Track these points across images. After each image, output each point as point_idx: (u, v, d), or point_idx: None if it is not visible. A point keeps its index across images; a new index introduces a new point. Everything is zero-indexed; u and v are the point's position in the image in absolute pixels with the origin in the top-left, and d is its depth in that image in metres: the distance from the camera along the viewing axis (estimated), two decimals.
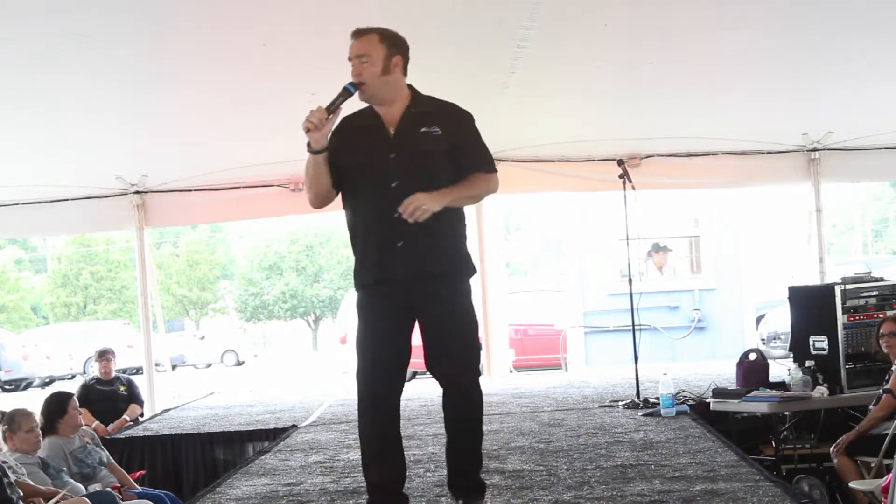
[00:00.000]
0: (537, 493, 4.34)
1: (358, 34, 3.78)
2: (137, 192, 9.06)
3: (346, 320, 18.20)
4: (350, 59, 3.78)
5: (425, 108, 3.86)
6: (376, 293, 3.83)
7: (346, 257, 38.12)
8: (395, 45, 3.80)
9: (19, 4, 4.97)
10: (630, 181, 7.17)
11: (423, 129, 3.79)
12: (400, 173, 3.75)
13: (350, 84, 3.76)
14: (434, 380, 3.97)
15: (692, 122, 8.07)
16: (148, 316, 9.50)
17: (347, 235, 3.98)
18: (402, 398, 3.93)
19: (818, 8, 5.77)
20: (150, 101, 6.78)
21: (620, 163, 7.33)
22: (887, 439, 5.27)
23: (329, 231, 38.89)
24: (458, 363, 3.85)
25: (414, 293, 3.78)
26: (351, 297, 19.73)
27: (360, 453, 3.98)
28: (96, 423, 7.62)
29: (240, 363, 31.02)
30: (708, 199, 12.27)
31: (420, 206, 3.63)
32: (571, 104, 7.52)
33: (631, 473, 4.65)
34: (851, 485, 5.40)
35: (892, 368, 5.70)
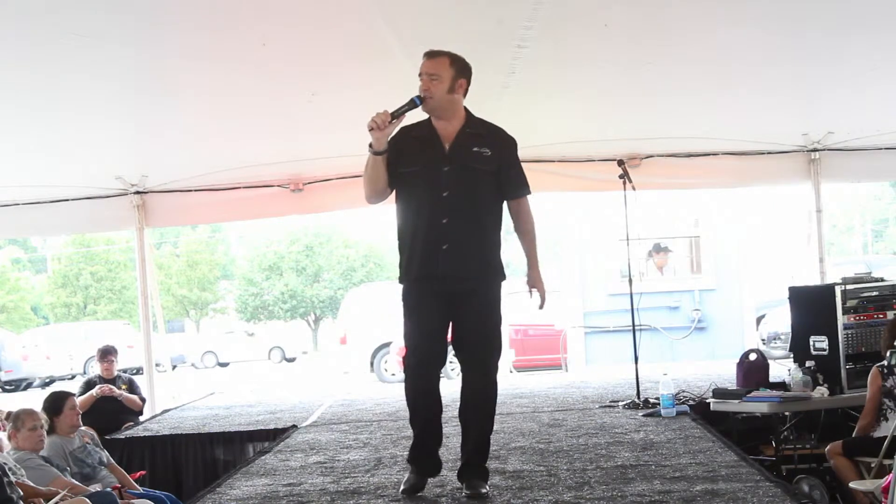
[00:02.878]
0: (537, 494, 4.34)
1: (431, 55, 4.27)
2: (137, 193, 9.04)
3: (346, 320, 18.22)
4: (420, 75, 4.26)
5: (479, 131, 4.36)
6: (420, 286, 4.34)
7: (345, 257, 38.08)
8: (462, 70, 4.29)
9: (19, 4, 4.96)
10: (630, 181, 7.17)
11: (476, 149, 4.29)
12: (451, 185, 4.26)
13: (417, 97, 4.24)
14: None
15: (692, 122, 8.05)
16: (148, 316, 9.49)
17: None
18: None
19: (818, 8, 5.76)
20: (150, 101, 6.77)
21: (620, 163, 7.34)
22: (887, 440, 5.27)
23: (329, 231, 38.74)
24: (484, 344, 4.32)
25: (452, 288, 4.28)
26: (351, 296, 20.00)
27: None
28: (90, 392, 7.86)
29: (288, 360, 30.98)
30: (708, 199, 12.27)
31: (544, 295, 4.42)
32: (571, 104, 7.50)
33: (631, 474, 4.65)
34: (851, 485, 5.39)
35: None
